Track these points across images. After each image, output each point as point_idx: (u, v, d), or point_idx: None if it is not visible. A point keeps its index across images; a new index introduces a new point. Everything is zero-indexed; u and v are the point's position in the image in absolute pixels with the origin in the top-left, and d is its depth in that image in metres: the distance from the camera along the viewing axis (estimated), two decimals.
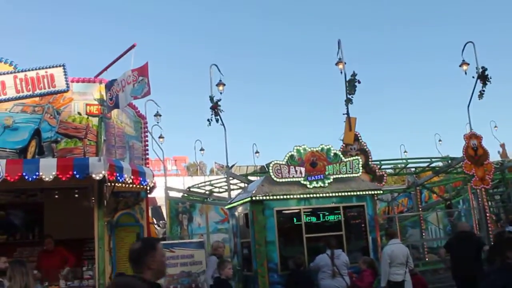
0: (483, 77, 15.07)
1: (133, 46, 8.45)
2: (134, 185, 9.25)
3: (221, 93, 14.27)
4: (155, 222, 24.28)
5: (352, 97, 13.63)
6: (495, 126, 20.80)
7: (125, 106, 9.26)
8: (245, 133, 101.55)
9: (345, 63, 13.90)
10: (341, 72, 13.82)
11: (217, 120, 14.16)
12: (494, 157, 23.72)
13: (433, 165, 19.11)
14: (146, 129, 11.58)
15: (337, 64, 13.96)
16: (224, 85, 14.27)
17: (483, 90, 14.92)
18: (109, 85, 9.15)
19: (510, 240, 4.31)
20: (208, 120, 14.24)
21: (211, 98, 14.07)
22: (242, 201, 10.74)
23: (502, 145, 24.16)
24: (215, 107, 14.04)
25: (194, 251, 10.23)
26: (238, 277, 11.09)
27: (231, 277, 8.41)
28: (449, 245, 10.56)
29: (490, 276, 4.26)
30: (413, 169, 19.47)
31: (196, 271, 10.07)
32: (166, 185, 18.17)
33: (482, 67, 15.00)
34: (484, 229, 15.09)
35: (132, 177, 8.90)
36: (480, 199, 15.56)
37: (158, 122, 18.40)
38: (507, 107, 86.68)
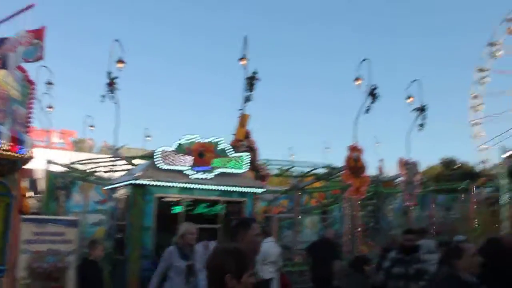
0: (372, 94, 15.99)
1: (30, 6, 7.95)
2: (11, 153, 8.71)
3: (120, 70, 13.89)
4: (34, 195, 23.11)
5: (250, 94, 13.86)
6: (377, 142, 22.10)
7: (14, 68, 8.69)
8: (140, 116, 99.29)
9: (248, 60, 14.10)
10: (243, 68, 14.01)
11: (111, 98, 13.78)
12: (372, 171, 25.24)
13: (316, 171, 19.94)
14: (33, 96, 10.94)
15: (240, 60, 14.12)
16: (124, 62, 13.89)
17: (369, 107, 15.80)
18: None
19: (458, 249, 4.51)
20: (103, 96, 13.84)
21: (109, 74, 13.66)
22: (124, 183, 10.53)
23: (381, 161, 25.77)
24: (111, 84, 13.64)
25: (66, 229, 9.81)
26: (109, 260, 10.83)
27: (100, 258, 8.24)
28: (310, 249, 11.17)
29: (438, 284, 4.42)
30: (297, 172, 20.17)
31: (65, 249, 9.71)
32: (47, 158, 17.33)
33: (373, 85, 15.91)
34: (352, 235, 16.00)
35: (10, 144, 8.37)
36: (353, 208, 16.47)
37: (48, 91, 17.49)
38: (390, 125, 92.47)
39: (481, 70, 50.77)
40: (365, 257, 9.32)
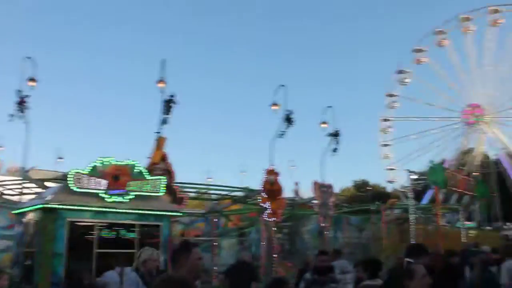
0: (288, 119, 16.42)
1: None
2: None
3: (31, 89, 13.39)
4: None
5: (167, 117, 13.77)
6: (293, 166, 22.61)
7: None
8: (52, 138, 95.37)
9: (166, 83, 14.06)
10: (161, 91, 13.93)
11: (20, 117, 13.21)
12: (288, 193, 25.74)
13: (232, 194, 20.04)
14: None
15: (158, 83, 14.04)
16: (36, 81, 13.39)
17: (284, 131, 16.21)
18: None
19: (409, 270, 4.53)
20: (12, 115, 13.24)
21: (19, 92, 13.12)
22: (33, 207, 10.07)
23: (296, 184, 26.37)
24: (21, 103, 13.09)
25: None
26: None
27: None
28: (227, 272, 11.19)
29: None
30: (214, 195, 20.19)
31: None
32: None
33: (288, 110, 16.35)
34: (269, 257, 16.18)
35: None
36: (270, 231, 16.68)
37: None
38: (305, 149, 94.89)
39: (390, 96, 53.65)
40: (283, 280, 9.43)
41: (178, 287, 2.83)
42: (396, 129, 54.96)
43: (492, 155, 56.86)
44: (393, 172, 53.81)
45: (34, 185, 16.65)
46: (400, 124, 57.47)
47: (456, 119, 55.19)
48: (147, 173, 10.99)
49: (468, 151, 56.85)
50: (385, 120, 53.69)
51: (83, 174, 9.92)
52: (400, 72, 52.51)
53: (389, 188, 62.60)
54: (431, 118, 56.32)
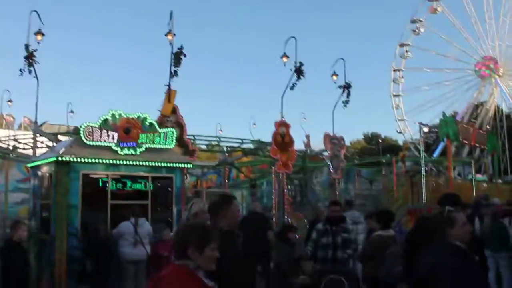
0: (299, 71, 16.25)
1: None
2: None
3: (39, 43, 13.29)
4: None
5: (177, 69, 13.66)
6: (304, 118, 22.56)
7: None
8: (63, 91, 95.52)
9: (174, 34, 13.87)
10: (170, 44, 13.76)
11: (29, 72, 13.19)
12: (299, 145, 25.80)
13: (244, 146, 20.14)
14: None
15: (166, 35, 13.86)
16: (43, 35, 13.28)
17: (295, 83, 16.09)
18: None
19: (450, 218, 4.48)
20: (21, 70, 13.22)
21: (27, 47, 13.04)
22: (47, 161, 10.19)
23: (307, 136, 26.35)
24: (30, 57, 13.04)
25: None
26: (34, 241, 10.51)
27: (24, 239, 7.98)
28: (241, 223, 11.34)
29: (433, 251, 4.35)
30: (225, 147, 20.30)
31: None
32: None
33: (299, 62, 16.16)
34: (281, 209, 16.36)
35: None
36: (281, 183, 16.80)
37: None
38: (316, 101, 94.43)
39: (403, 45, 52.71)
40: (290, 225, 9.59)
41: (197, 230, 3.01)
42: (408, 80, 54.33)
43: (505, 109, 56.21)
44: (403, 123, 53.53)
45: (46, 139, 16.85)
46: (412, 75, 56.87)
47: (469, 71, 54.32)
48: (158, 126, 11.00)
49: (481, 104, 56.23)
50: (397, 70, 53.00)
51: (94, 127, 9.96)
52: (414, 21, 51.33)
53: (400, 140, 62.51)
54: (444, 70, 55.49)
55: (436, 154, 45.31)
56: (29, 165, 11.83)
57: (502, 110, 56.09)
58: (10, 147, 20.17)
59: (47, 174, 10.27)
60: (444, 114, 24.14)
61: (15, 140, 20.25)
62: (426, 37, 53.20)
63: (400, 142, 63.47)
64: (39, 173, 10.66)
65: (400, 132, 54.58)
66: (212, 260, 2.92)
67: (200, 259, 2.87)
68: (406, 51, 52.01)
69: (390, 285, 6.17)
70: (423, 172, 21.55)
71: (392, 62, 53.03)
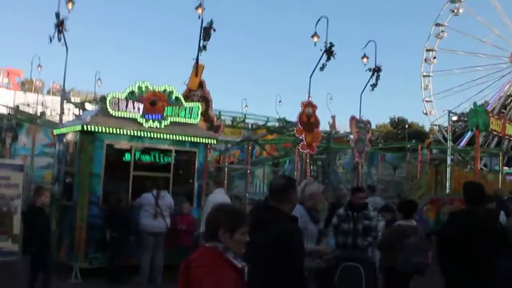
0: (329, 52, 16.05)
1: None
2: None
3: (69, 11, 13.33)
4: None
5: (205, 44, 13.57)
6: (331, 99, 22.26)
7: None
8: (91, 58, 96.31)
9: (204, 8, 13.75)
10: (199, 17, 13.66)
11: (59, 39, 13.27)
12: (324, 126, 25.58)
13: (269, 124, 20.02)
14: None
15: (197, 8, 13.74)
16: (73, 3, 13.31)
17: (325, 64, 15.91)
18: None
19: None
20: (50, 38, 13.32)
21: (57, 15, 13.09)
22: (72, 129, 10.26)
23: (333, 117, 26.07)
24: (60, 25, 13.09)
25: (12, 173, 9.57)
26: (56, 207, 10.66)
27: (47, 204, 8.09)
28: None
29: None
30: (250, 124, 20.22)
31: (11, 194, 9.48)
32: None
33: (330, 43, 15.95)
34: None
35: None
36: (304, 162, 16.73)
37: None
38: (344, 82, 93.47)
39: (439, 25, 51.45)
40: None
41: (229, 212, 3.08)
42: (439, 63, 53.19)
43: None
44: (430, 105, 52.60)
45: (73, 106, 17.01)
46: (445, 57, 55.64)
47: (504, 58, 52.90)
48: (184, 100, 10.96)
49: None
50: (430, 50, 51.84)
51: (120, 98, 9.96)
52: (453, 1, 49.92)
53: (427, 127, 61.61)
54: (479, 54, 54.10)
55: (463, 143, 44.60)
56: (55, 131, 11.95)
57: None
58: (38, 113, 20.42)
59: (72, 142, 10.35)
60: (475, 104, 23.59)
61: (42, 105, 20.49)
62: (463, 19, 51.94)
63: (427, 129, 62.65)
64: (64, 140, 10.76)
65: (426, 114, 53.71)
66: (242, 244, 2.95)
67: (230, 242, 2.92)
68: (442, 31, 50.82)
69: (406, 275, 6.11)
70: (448, 161, 21.23)
71: (426, 41, 51.97)
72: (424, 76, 52.72)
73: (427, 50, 51.92)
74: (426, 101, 52.96)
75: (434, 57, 51.97)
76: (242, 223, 2.97)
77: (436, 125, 51.57)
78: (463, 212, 5.61)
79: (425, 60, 52.14)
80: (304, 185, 6.15)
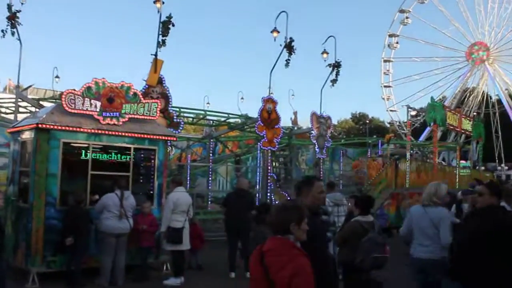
0: (289, 47, 16.08)
1: None
2: None
3: (22, 3, 12.95)
4: None
5: (165, 39, 13.36)
6: (292, 95, 22.37)
7: None
8: (50, 55, 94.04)
9: (163, 2, 13.56)
10: (158, 12, 13.43)
11: (12, 33, 12.85)
12: (286, 122, 25.68)
13: (230, 120, 19.95)
14: None
15: (155, 2, 13.53)
16: None
17: (289, 59, 15.93)
18: None
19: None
20: (3, 31, 12.88)
21: (9, 7, 12.68)
22: (27, 127, 9.93)
23: (295, 113, 26.22)
24: (12, 18, 12.68)
25: None
26: (12, 208, 10.30)
27: (1, 207, 7.80)
28: (227, 200, 11.31)
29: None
30: (211, 121, 20.10)
31: None
32: None
33: (290, 38, 15.98)
34: (264, 185, 16.31)
35: None
36: (266, 159, 16.73)
37: None
38: (305, 78, 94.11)
39: (392, 36, 52.74)
40: (268, 206, 9.53)
41: (296, 209, 3.63)
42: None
43: (494, 95, 56.52)
44: (389, 90, 53.81)
45: (30, 104, 16.50)
46: (406, 45, 56.78)
47: (460, 58, 54.40)
48: (143, 96, 10.77)
49: (470, 90, 56.46)
50: (393, 35, 52.94)
51: (76, 94, 9.69)
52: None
53: (387, 122, 62.71)
54: (434, 58, 55.60)
55: (422, 138, 45.54)
56: (8, 130, 11.56)
57: (490, 96, 56.38)
58: None
59: (27, 141, 10.01)
60: (432, 99, 24.10)
61: None
62: (427, 7, 53.33)
63: (388, 124, 63.74)
64: (19, 139, 10.40)
65: (384, 99, 54.69)
66: (305, 232, 3.60)
67: (298, 232, 3.54)
68: (407, 17, 52.18)
69: (363, 271, 6.14)
70: (408, 155, 21.60)
71: (389, 27, 53.00)
72: (385, 61, 53.70)
73: (389, 36, 52.83)
74: (385, 86, 53.92)
75: (397, 42, 53.00)
76: (305, 215, 3.61)
77: (396, 121, 52.59)
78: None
79: (388, 45, 53.15)
80: (435, 187, 6.39)
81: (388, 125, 62.07)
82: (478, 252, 4.75)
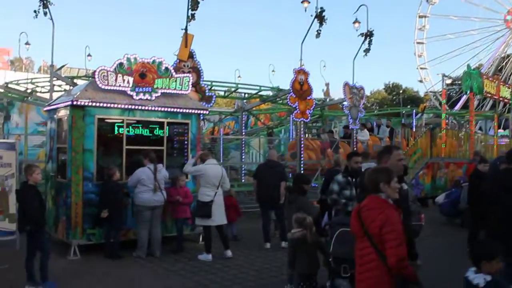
0: (320, 17, 15.81)
1: None
2: None
3: None
4: None
5: (194, 13, 13.30)
6: (324, 66, 22.10)
7: None
8: (80, 34, 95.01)
9: None
10: None
11: (45, 13, 12.98)
12: (318, 94, 25.46)
13: (262, 93, 19.87)
14: None
15: None
16: None
17: (320, 30, 15.69)
18: None
19: None
20: (35, 11, 13.02)
21: None
22: (62, 104, 10.11)
23: (327, 84, 25.93)
24: None
25: (4, 152, 9.50)
26: (51, 184, 10.59)
27: (39, 182, 8.00)
28: (257, 171, 11.35)
29: None
30: (243, 94, 20.06)
31: (4, 173, 9.41)
32: None
33: (321, 8, 15.71)
34: (298, 158, 16.27)
35: None
36: (299, 131, 16.66)
37: None
38: (337, 48, 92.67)
39: None
40: (305, 177, 9.49)
41: (385, 170, 4.17)
42: (432, 28, 53.00)
43: None
44: (425, 72, 52.52)
45: (64, 82, 16.78)
46: (438, 23, 55.21)
47: (498, 21, 52.50)
48: (175, 71, 10.80)
49: (507, 57, 54.64)
50: (423, 16, 51.50)
51: (109, 71, 9.79)
52: None
53: (422, 92, 61.47)
54: (472, 18, 53.67)
55: (458, 106, 44.55)
56: (44, 108, 11.79)
57: None
58: (28, 90, 20.19)
59: (63, 118, 10.21)
60: (468, 67, 23.44)
61: (32, 83, 20.22)
62: None
63: (421, 94, 62.52)
64: (55, 116, 10.61)
65: (421, 81, 53.63)
66: (396, 190, 4.04)
67: (389, 190, 3.99)
68: None
69: None
70: (443, 125, 21.18)
71: (418, 7, 51.54)
72: (418, 43, 52.40)
73: (419, 17, 51.50)
74: (421, 68, 52.73)
75: (427, 23, 51.64)
76: (393, 176, 4.06)
77: (432, 92, 51.47)
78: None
79: (419, 28, 51.81)
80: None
81: (422, 95, 60.87)
82: None
